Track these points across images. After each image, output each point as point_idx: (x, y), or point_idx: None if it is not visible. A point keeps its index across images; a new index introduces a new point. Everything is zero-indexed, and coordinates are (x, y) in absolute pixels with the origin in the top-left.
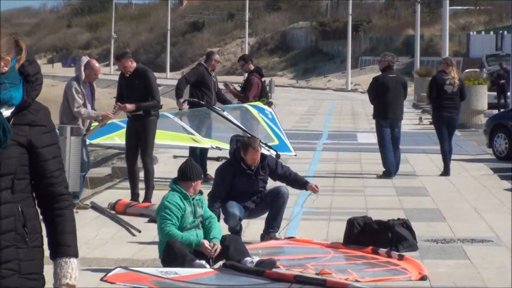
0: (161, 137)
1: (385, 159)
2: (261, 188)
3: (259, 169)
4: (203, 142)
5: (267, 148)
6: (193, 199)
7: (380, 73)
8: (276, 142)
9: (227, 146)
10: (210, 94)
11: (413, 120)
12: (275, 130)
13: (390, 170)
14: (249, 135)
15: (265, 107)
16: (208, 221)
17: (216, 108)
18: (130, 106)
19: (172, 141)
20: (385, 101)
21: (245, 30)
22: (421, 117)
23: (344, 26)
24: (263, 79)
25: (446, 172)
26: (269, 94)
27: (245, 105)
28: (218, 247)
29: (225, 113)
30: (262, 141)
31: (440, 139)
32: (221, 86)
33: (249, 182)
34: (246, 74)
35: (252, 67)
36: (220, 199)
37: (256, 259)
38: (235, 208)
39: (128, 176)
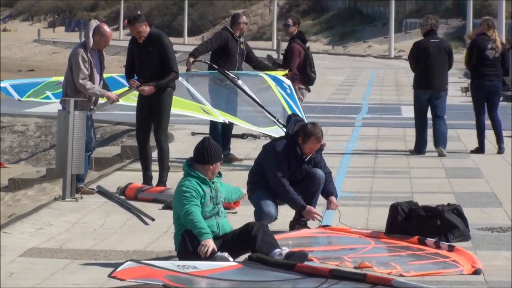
0: None
1: (419, 137)
2: (304, 177)
3: (311, 159)
4: (214, 115)
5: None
6: (213, 183)
7: (422, 37)
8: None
9: (243, 124)
10: (234, 63)
11: (464, 91)
12: (293, 107)
13: (420, 148)
14: (272, 116)
15: (284, 79)
16: (233, 190)
17: (231, 75)
18: (148, 89)
19: (180, 109)
20: (426, 69)
21: None
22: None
23: None
24: (306, 45)
25: (481, 149)
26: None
27: (261, 73)
28: (210, 248)
29: (239, 82)
30: (280, 120)
31: (477, 111)
32: (264, 58)
33: (297, 171)
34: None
35: (294, 31)
36: (285, 178)
37: (286, 250)
38: (271, 207)
39: (139, 156)
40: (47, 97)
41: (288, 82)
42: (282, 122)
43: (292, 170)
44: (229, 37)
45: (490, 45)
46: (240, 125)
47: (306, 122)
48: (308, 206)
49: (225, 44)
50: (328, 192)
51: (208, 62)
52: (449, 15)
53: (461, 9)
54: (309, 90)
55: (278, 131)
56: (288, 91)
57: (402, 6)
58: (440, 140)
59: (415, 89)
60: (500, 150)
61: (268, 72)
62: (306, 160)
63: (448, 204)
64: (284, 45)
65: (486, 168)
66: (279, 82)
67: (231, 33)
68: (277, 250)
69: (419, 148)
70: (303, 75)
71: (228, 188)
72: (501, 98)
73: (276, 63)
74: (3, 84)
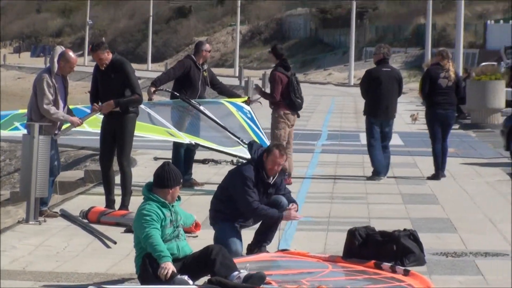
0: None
1: (373, 158)
2: (270, 200)
3: (275, 183)
4: (180, 137)
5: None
6: (172, 206)
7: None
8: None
9: (208, 144)
10: (196, 91)
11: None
12: (255, 130)
13: (378, 170)
14: (236, 137)
15: (244, 105)
16: (186, 217)
17: (193, 102)
18: (107, 105)
19: (146, 133)
20: (377, 97)
21: (237, 17)
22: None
23: (347, 13)
24: (289, 72)
25: (437, 175)
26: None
27: (222, 100)
28: (169, 270)
29: (201, 108)
30: (244, 140)
31: (433, 138)
32: (253, 86)
33: (264, 195)
34: None
35: (276, 59)
36: (259, 202)
37: (244, 273)
38: (238, 245)
39: (102, 180)
40: (16, 128)
41: (248, 108)
42: (246, 142)
43: (260, 195)
44: (191, 65)
45: (443, 74)
46: (206, 145)
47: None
48: (285, 212)
49: (187, 72)
50: (290, 200)
51: (170, 91)
52: (408, 44)
53: (420, 39)
54: (298, 116)
55: (243, 151)
56: (249, 115)
57: (362, 35)
58: (381, 169)
59: (367, 116)
60: (440, 176)
61: (229, 100)
62: (271, 183)
63: (404, 230)
64: (246, 71)
65: (442, 194)
66: (240, 108)
67: (194, 61)
68: (236, 273)
69: (378, 172)
70: (288, 101)
71: (183, 213)
72: (456, 126)
73: (262, 91)
74: None
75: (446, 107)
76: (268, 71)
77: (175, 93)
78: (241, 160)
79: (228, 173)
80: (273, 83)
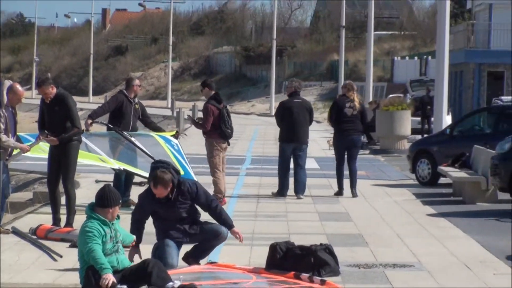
0: None
1: (281, 182)
2: (186, 215)
3: (178, 196)
4: (110, 162)
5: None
6: (112, 224)
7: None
8: (182, 172)
9: (135, 170)
10: (129, 122)
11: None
12: (181, 160)
13: (283, 192)
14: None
15: (172, 138)
16: (125, 235)
17: (125, 133)
18: (52, 141)
19: (81, 159)
20: (291, 125)
21: (169, 54)
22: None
23: (268, 51)
24: (221, 105)
25: (340, 192)
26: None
27: (152, 133)
28: (110, 281)
29: (132, 139)
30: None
31: (338, 161)
32: (185, 117)
33: (169, 211)
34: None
35: (209, 93)
36: (139, 222)
37: (177, 284)
38: (173, 259)
39: (49, 201)
40: None
41: (175, 141)
42: (187, 169)
43: (164, 212)
44: (124, 100)
45: (348, 104)
46: (134, 171)
47: (185, 169)
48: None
49: (120, 106)
50: (227, 224)
51: (105, 123)
52: (323, 78)
53: (334, 73)
54: (228, 144)
55: None
56: (176, 147)
57: (282, 70)
58: (299, 188)
59: (281, 142)
60: (354, 195)
61: (158, 133)
62: (173, 199)
63: (321, 244)
64: (178, 103)
65: (354, 212)
66: (168, 141)
67: (126, 96)
68: (170, 283)
69: (282, 191)
70: (220, 131)
71: (123, 231)
72: (362, 150)
73: (194, 121)
74: None
75: (352, 133)
76: (198, 103)
77: (109, 125)
78: None
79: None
80: (206, 115)
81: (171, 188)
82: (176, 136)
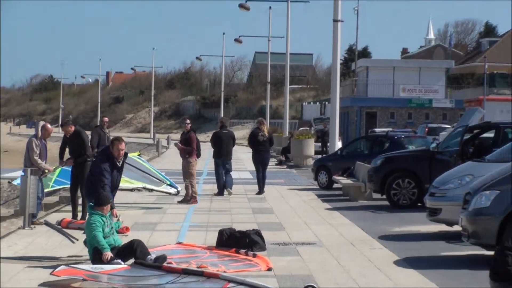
0: None
1: (218, 185)
2: (117, 184)
3: (122, 166)
4: (131, 182)
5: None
6: (107, 216)
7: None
8: (167, 182)
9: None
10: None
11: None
12: (159, 172)
13: (220, 191)
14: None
15: (139, 157)
16: (114, 224)
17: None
18: (70, 162)
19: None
20: (220, 147)
21: (151, 102)
22: (281, 160)
23: (218, 99)
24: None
25: (260, 192)
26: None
27: (132, 156)
28: (109, 256)
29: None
30: (165, 181)
31: (257, 170)
32: (173, 144)
33: (115, 175)
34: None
35: (188, 128)
36: (110, 185)
37: (153, 256)
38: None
39: (70, 202)
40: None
41: (142, 158)
42: (168, 180)
43: (113, 174)
44: (100, 132)
45: (261, 133)
46: (141, 186)
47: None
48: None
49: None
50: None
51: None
52: (255, 117)
53: (262, 114)
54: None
55: (166, 188)
56: (147, 162)
57: (228, 112)
58: (228, 185)
59: (214, 158)
60: (261, 193)
61: (131, 155)
62: (120, 167)
63: (253, 230)
64: (157, 135)
65: (276, 207)
66: (141, 159)
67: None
68: (149, 256)
69: (220, 191)
70: (198, 152)
71: (114, 222)
72: (285, 166)
73: (182, 147)
74: None
75: (263, 153)
76: (171, 135)
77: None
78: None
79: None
80: (192, 141)
81: (124, 154)
82: (139, 155)
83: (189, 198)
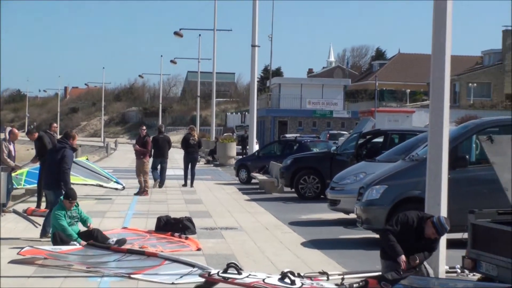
0: None
1: (154, 178)
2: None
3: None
4: (87, 180)
5: (116, 183)
6: (72, 210)
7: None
8: (113, 180)
9: (93, 182)
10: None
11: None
12: (104, 171)
13: (186, 182)
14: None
15: (87, 160)
16: (85, 217)
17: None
18: (36, 161)
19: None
20: (157, 148)
21: (102, 112)
22: (209, 160)
23: (157, 109)
24: (151, 138)
25: (185, 185)
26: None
27: (79, 159)
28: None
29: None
30: (112, 179)
31: (185, 167)
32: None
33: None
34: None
35: (143, 133)
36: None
37: (114, 239)
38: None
39: (37, 194)
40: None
41: (90, 162)
42: (114, 178)
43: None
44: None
45: (192, 137)
46: (90, 183)
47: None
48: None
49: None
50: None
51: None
52: (188, 124)
53: (194, 122)
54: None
55: (114, 184)
56: (95, 164)
57: (165, 119)
58: (162, 181)
59: (153, 158)
60: (191, 186)
61: (80, 159)
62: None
63: (186, 217)
64: (107, 139)
65: (204, 198)
66: (89, 162)
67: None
68: (109, 240)
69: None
70: (150, 152)
71: (85, 215)
72: (212, 165)
73: (140, 149)
74: None
75: (193, 154)
76: (118, 139)
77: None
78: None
79: None
80: (147, 144)
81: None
82: (87, 159)
83: (143, 190)
